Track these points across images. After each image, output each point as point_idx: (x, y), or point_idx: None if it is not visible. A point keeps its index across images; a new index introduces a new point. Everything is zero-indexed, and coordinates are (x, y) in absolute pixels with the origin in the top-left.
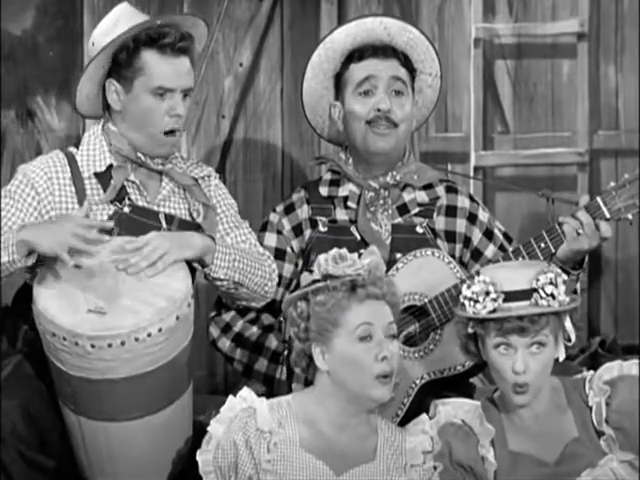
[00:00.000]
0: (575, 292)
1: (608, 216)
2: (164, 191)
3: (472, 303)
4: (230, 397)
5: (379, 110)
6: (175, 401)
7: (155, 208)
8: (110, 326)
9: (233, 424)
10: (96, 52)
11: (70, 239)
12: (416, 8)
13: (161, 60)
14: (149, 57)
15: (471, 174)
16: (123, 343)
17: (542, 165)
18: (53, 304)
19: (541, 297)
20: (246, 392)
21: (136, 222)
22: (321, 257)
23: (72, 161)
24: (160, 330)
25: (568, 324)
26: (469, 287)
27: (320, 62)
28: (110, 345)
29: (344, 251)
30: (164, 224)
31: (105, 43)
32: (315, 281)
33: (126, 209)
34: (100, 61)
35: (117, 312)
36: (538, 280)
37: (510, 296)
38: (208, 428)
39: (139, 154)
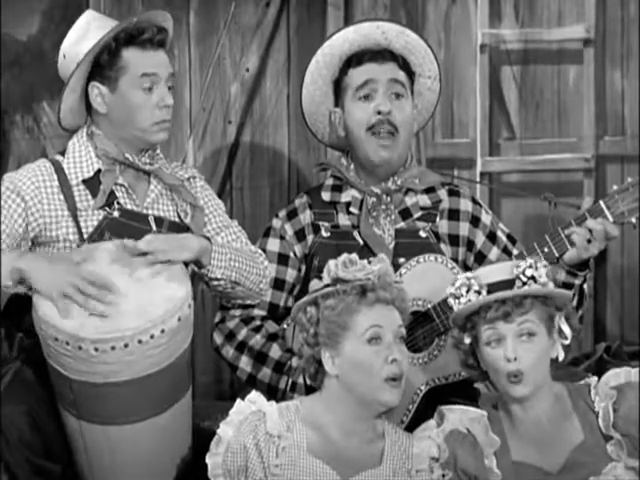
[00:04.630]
0: (582, 294)
1: (611, 220)
2: (152, 194)
3: (457, 299)
4: (238, 400)
5: (379, 113)
6: (176, 403)
7: (144, 211)
8: (113, 329)
9: (243, 427)
10: (69, 64)
11: (68, 288)
12: (422, 14)
13: (142, 54)
14: (131, 54)
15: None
16: (126, 345)
17: (548, 171)
18: (54, 309)
19: (523, 283)
20: (255, 395)
21: (126, 226)
22: (331, 262)
23: (59, 169)
24: (163, 331)
25: (564, 326)
26: (453, 285)
27: (318, 68)
28: (113, 348)
29: (354, 256)
30: (154, 227)
31: (79, 52)
32: (325, 286)
33: (115, 213)
34: (83, 66)
35: (119, 315)
36: (519, 267)
37: (493, 287)
38: (217, 431)
39: (127, 155)
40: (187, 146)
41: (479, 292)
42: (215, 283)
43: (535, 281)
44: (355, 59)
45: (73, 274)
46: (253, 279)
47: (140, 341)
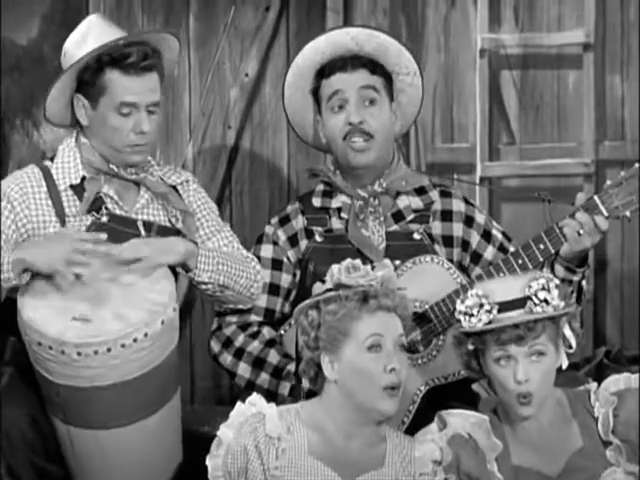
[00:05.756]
0: (580, 295)
1: (606, 214)
2: (142, 200)
3: (467, 317)
4: (239, 403)
5: (351, 124)
6: (165, 405)
7: (133, 216)
8: (96, 333)
9: (243, 429)
10: (68, 62)
11: (70, 255)
12: (422, 18)
13: (124, 79)
14: (113, 76)
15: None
16: (109, 350)
17: (548, 176)
18: (38, 314)
19: (535, 304)
20: (255, 398)
21: (115, 231)
22: (334, 267)
23: (47, 175)
24: (146, 335)
25: (567, 331)
26: (463, 302)
27: (295, 80)
28: (96, 352)
29: (358, 262)
30: (143, 231)
31: (76, 55)
32: (327, 290)
33: (104, 218)
34: (68, 76)
35: (102, 319)
36: (530, 287)
37: (504, 306)
38: (217, 433)
39: (111, 165)
40: (186, 150)
41: (490, 311)
42: (203, 287)
43: (548, 303)
44: (327, 69)
45: (68, 241)
46: (243, 283)
47: (123, 345)
